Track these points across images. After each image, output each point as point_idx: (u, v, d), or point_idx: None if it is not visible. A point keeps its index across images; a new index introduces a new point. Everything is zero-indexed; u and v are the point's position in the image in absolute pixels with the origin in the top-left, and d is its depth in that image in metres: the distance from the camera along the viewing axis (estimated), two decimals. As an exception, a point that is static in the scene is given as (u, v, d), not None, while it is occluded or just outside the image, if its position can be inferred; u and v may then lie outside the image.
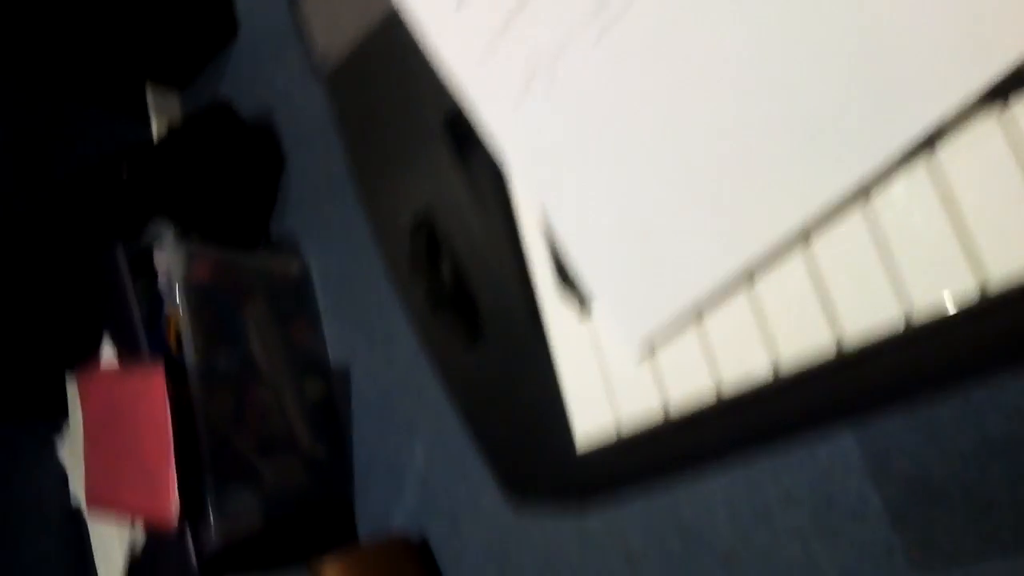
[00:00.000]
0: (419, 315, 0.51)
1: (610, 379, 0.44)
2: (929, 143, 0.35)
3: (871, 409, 0.40)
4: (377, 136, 0.53)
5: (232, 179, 1.96)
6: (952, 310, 0.34)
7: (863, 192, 0.36)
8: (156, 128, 2.24)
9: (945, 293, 0.33)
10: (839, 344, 0.36)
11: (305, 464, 1.74)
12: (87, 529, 1.69)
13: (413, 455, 1.71)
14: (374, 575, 1.49)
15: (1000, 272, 0.32)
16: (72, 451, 1.73)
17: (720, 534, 1.28)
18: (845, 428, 0.37)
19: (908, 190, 0.35)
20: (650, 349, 0.42)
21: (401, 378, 1.75)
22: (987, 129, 0.33)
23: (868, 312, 0.35)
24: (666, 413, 0.42)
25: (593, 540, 1.43)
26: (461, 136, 0.49)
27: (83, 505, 1.67)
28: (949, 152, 0.34)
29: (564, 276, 0.46)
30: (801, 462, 1.20)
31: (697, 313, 0.41)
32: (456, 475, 1.63)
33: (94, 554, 1.68)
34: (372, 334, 1.82)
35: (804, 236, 0.37)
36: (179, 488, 1.47)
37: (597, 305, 0.45)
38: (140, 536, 1.60)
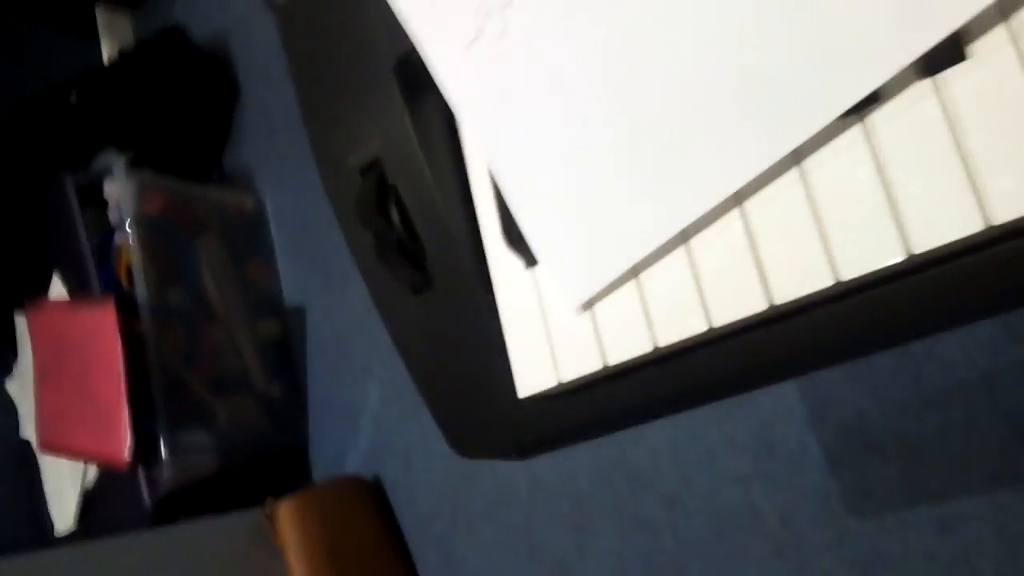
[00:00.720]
0: (366, 262, 0.51)
1: (551, 331, 0.45)
2: (860, 110, 0.35)
3: (797, 368, 0.41)
4: (328, 73, 0.52)
5: (185, 108, 1.92)
6: (876, 272, 0.35)
7: (795, 157, 0.37)
8: (106, 51, 2.18)
9: (872, 257, 0.34)
10: (770, 303, 0.37)
11: (259, 404, 1.75)
12: (38, 466, 1.69)
13: (367, 397, 1.72)
14: (328, 515, 1.50)
15: (924, 241, 0.33)
16: (21, 386, 1.72)
17: (664, 478, 1.31)
18: (775, 384, 0.39)
19: (840, 155, 0.36)
20: (589, 303, 0.43)
21: (356, 319, 1.75)
22: (919, 96, 0.34)
23: (799, 274, 0.36)
24: (604, 365, 0.43)
25: (543, 483, 1.46)
26: (412, 79, 0.49)
27: (33, 442, 1.65)
28: (881, 118, 0.35)
29: (510, 231, 0.47)
30: (744, 410, 1.23)
31: (635, 271, 0.42)
32: (409, 417, 1.65)
33: (46, 492, 1.67)
34: (328, 274, 1.81)
35: (737, 199, 0.38)
36: (132, 427, 1.46)
37: (541, 263, 0.46)
38: (93, 475, 1.59)
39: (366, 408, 1.72)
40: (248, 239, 1.89)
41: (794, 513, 1.18)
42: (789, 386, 1.19)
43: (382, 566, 1.55)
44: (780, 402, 1.20)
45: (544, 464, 1.46)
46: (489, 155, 0.45)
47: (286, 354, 1.85)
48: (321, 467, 1.79)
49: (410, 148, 0.49)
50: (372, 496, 1.63)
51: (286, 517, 1.45)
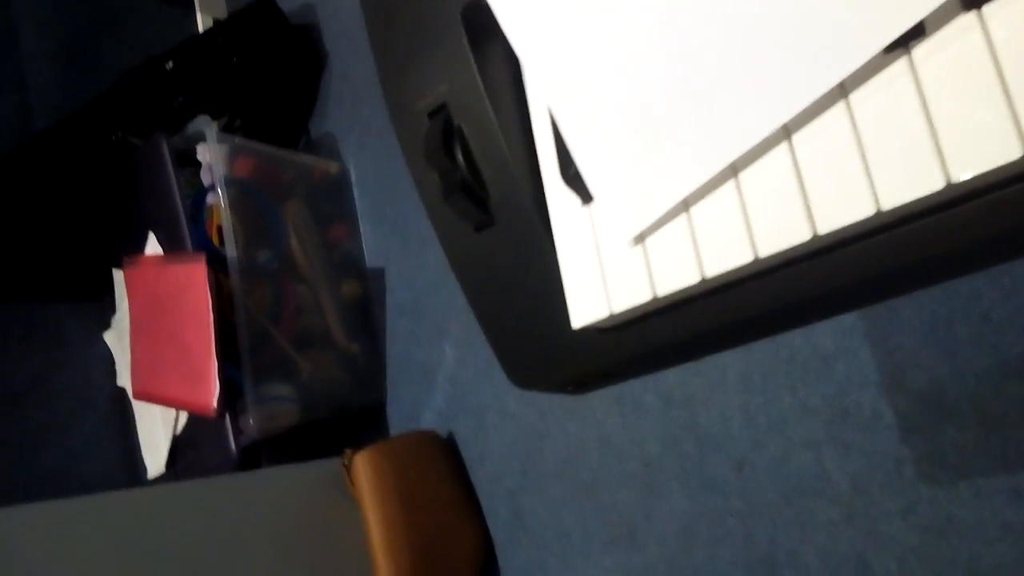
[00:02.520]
0: (432, 201, 0.54)
1: (604, 263, 0.47)
2: (905, 43, 0.36)
3: (841, 303, 0.42)
4: (399, 21, 0.55)
5: (274, 76, 1.98)
6: (917, 201, 0.36)
7: (841, 90, 0.38)
8: (201, 22, 2.26)
9: (913, 186, 0.35)
10: (814, 234, 0.38)
11: (340, 360, 1.81)
12: (132, 411, 1.78)
13: (443, 356, 1.77)
14: (403, 466, 1.55)
15: (964, 170, 0.34)
16: (118, 337, 1.81)
17: (735, 441, 1.32)
18: (822, 319, 0.40)
19: (885, 88, 0.37)
20: (641, 237, 0.45)
21: (434, 281, 1.79)
22: (962, 28, 0.35)
23: (842, 204, 0.37)
24: (654, 296, 0.45)
25: (613, 444, 1.48)
26: (478, 26, 0.51)
27: (129, 390, 1.75)
28: (925, 51, 0.36)
29: (567, 170, 0.49)
30: (818, 375, 1.22)
31: (685, 204, 0.43)
32: (483, 377, 1.68)
33: (139, 437, 1.77)
34: (406, 238, 1.86)
35: (785, 132, 0.39)
36: (219, 378, 1.53)
37: (595, 199, 0.48)
38: (183, 422, 1.68)
39: (441, 367, 1.76)
40: (332, 203, 1.95)
41: (866, 479, 1.18)
42: (864, 352, 1.18)
43: (452, 517, 1.59)
44: (854, 368, 1.19)
45: (614, 425, 1.48)
46: (548, 95, 0.47)
47: (366, 314, 1.90)
48: (397, 424, 1.85)
49: (475, 92, 0.52)
50: (445, 451, 1.68)
51: (362, 467, 1.51)
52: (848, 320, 1.19)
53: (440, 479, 1.62)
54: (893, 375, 1.16)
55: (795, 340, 1.25)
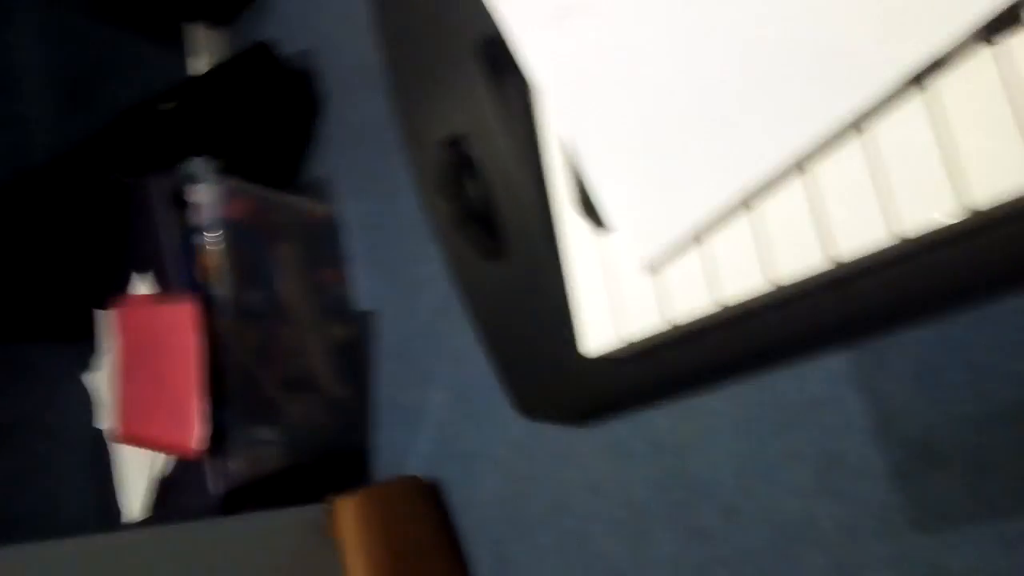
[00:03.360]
0: (444, 230, 0.54)
1: (617, 292, 0.47)
2: (925, 74, 0.37)
3: (866, 329, 0.43)
4: (416, 52, 0.56)
5: (271, 119, 2.00)
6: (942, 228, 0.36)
7: (860, 119, 0.39)
8: (200, 65, 2.29)
9: (935, 215, 0.36)
10: (834, 262, 0.39)
11: (326, 405, 1.79)
12: (111, 454, 1.75)
13: (431, 402, 1.75)
14: (387, 512, 1.53)
15: (985, 197, 0.35)
16: (100, 378, 1.79)
17: (724, 488, 1.31)
18: (841, 350, 0.40)
19: (902, 119, 0.38)
20: (656, 264, 0.46)
21: (424, 327, 1.79)
22: (980, 62, 0.36)
23: (861, 233, 0.38)
24: (668, 325, 0.45)
25: (601, 490, 1.47)
26: (496, 59, 0.52)
27: (109, 431, 1.72)
28: (945, 83, 0.37)
29: (581, 199, 0.49)
30: (807, 422, 1.22)
31: (700, 232, 0.44)
32: (471, 423, 1.67)
33: (118, 479, 1.73)
34: (399, 282, 1.86)
35: (805, 157, 0.40)
36: (204, 420, 1.52)
37: (611, 227, 0.48)
38: (164, 464, 1.65)
39: (429, 413, 1.75)
40: (324, 246, 1.95)
41: (855, 526, 1.17)
42: (853, 398, 1.18)
43: (437, 566, 1.57)
44: (844, 415, 1.19)
45: (602, 471, 1.47)
46: (567, 126, 0.48)
47: (355, 358, 1.89)
48: (383, 469, 1.82)
49: (490, 125, 0.52)
50: (430, 497, 1.65)
51: (346, 513, 1.48)
52: (837, 366, 1.20)
53: (425, 526, 1.59)
54: (882, 422, 1.16)
55: (785, 386, 1.26)
